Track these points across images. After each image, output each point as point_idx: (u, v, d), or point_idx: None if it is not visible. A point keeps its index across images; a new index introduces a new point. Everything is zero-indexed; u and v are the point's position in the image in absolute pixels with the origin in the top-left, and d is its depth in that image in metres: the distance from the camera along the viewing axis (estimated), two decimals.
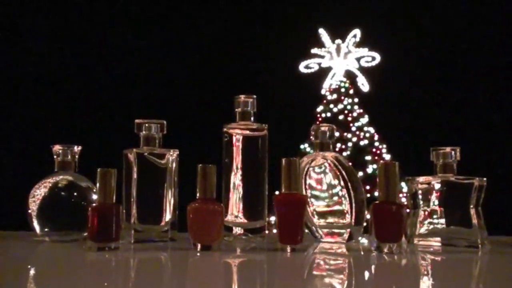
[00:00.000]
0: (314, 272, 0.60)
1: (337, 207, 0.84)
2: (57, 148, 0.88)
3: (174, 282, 0.55)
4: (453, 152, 0.83)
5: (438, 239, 0.82)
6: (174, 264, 0.68)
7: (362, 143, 4.41)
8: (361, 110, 4.64)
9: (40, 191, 0.84)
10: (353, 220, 0.82)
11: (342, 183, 0.83)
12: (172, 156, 0.86)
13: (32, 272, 0.60)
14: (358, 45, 4.96)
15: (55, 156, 0.88)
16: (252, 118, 0.87)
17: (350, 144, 4.38)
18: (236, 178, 0.85)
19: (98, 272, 0.59)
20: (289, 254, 0.70)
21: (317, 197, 0.87)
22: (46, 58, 4.39)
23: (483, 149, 3.95)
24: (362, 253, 0.76)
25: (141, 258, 0.69)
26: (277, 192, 0.77)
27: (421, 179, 0.84)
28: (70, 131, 4.12)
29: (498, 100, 4.49)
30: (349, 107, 4.64)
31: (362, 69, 4.96)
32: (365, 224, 0.84)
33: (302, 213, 0.73)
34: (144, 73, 4.76)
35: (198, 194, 0.74)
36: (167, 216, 0.84)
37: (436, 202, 0.83)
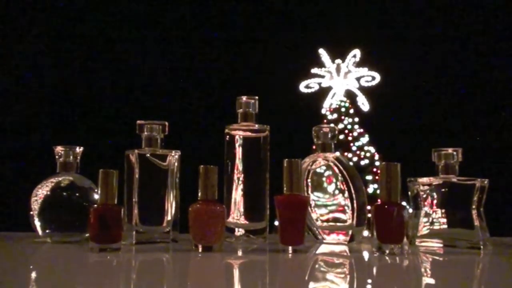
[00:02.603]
0: (316, 273, 0.60)
1: (339, 215, 0.85)
2: (59, 149, 0.88)
3: (176, 283, 0.55)
4: (454, 153, 0.82)
5: (440, 240, 0.81)
6: (176, 265, 0.68)
7: (362, 162, 4.40)
8: (362, 130, 4.63)
9: (42, 191, 0.84)
10: (354, 221, 0.82)
11: (340, 185, 0.83)
12: (174, 157, 0.86)
13: (33, 273, 0.60)
14: (358, 64, 4.96)
15: (57, 157, 0.88)
16: (254, 119, 0.87)
17: (350, 163, 4.34)
18: (237, 179, 0.85)
19: (100, 273, 0.59)
20: (291, 255, 0.70)
21: (320, 206, 0.87)
22: (47, 59, 4.40)
23: (484, 152, 3.94)
24: (363, 254, 0.76)
25: (143, 259, 0.69)
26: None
27: (423, 180, 0.84)
28: (72, 132, 4.13)
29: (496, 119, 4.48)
30: (349, 126, 4.63)
31: (362, 89, 4.95)
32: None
33: (304, 214, 0.73)
34: (146, 74, 4.76)
35: (199, 195, 0.74)
36: (169, 217, 0.84)
37: (438, 203, 0.83)
